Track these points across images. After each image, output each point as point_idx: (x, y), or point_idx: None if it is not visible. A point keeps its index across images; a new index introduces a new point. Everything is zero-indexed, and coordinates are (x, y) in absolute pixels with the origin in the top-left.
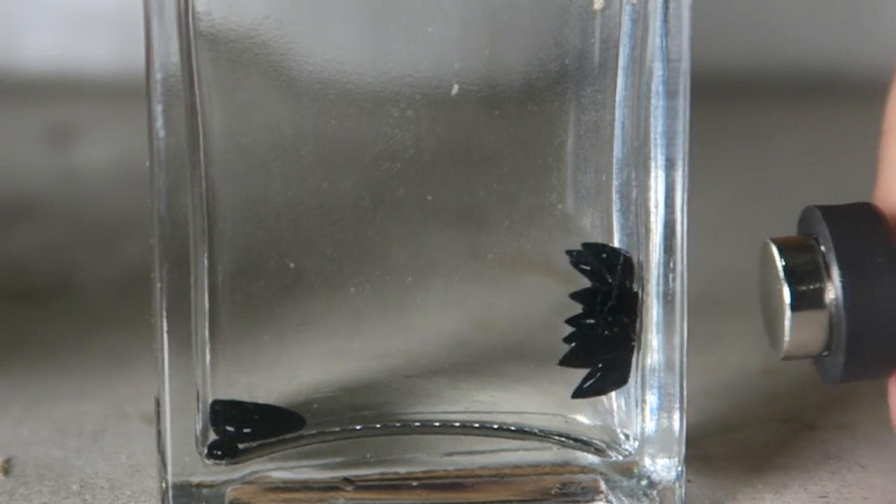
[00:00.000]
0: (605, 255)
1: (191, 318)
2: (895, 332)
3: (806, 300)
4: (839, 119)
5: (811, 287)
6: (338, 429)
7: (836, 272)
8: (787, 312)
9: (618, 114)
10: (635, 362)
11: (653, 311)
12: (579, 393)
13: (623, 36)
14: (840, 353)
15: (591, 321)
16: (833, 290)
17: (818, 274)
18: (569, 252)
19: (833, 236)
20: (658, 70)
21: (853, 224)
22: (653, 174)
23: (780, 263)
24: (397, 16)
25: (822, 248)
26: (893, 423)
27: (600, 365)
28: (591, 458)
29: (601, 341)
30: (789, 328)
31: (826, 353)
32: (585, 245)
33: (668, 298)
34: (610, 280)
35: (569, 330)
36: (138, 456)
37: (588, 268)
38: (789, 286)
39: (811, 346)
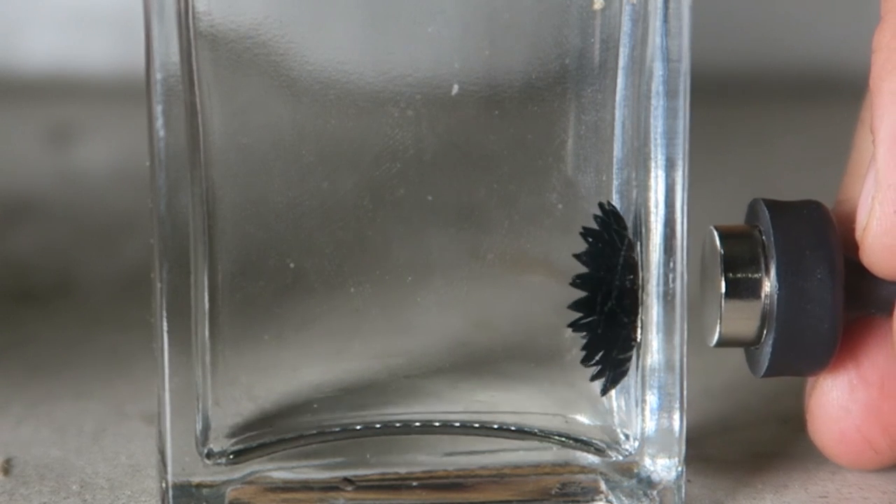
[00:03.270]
0: (605, 254)
1: (191, 318)
2: (823, 330)
3: (741, 289)
4: (839, 119)
5: (747, 276)
6: (338, 429)
7: (773, 274)
8: (722, 299)
9: (618, 114)
10: (635, 360)
11: (653, 311)
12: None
13: (623, 36)
14: (766, 350)
15: (592, 319)
16: (769, 288)
17: (756, 264)
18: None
19: (776, 235)
20: (658, 70)
21: (796, 220)
22: (653, 174)
23: (719, 250)
24: (397, 16)
25: (764, 242)
26: (808, 424)
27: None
28: (591, 458)
29: (602, 339)
30: (722, 315)
31: (755, 346)
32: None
33: (668, 298)
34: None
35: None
36: (138, 456)
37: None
38: (725, 274)
39: (743, 336)
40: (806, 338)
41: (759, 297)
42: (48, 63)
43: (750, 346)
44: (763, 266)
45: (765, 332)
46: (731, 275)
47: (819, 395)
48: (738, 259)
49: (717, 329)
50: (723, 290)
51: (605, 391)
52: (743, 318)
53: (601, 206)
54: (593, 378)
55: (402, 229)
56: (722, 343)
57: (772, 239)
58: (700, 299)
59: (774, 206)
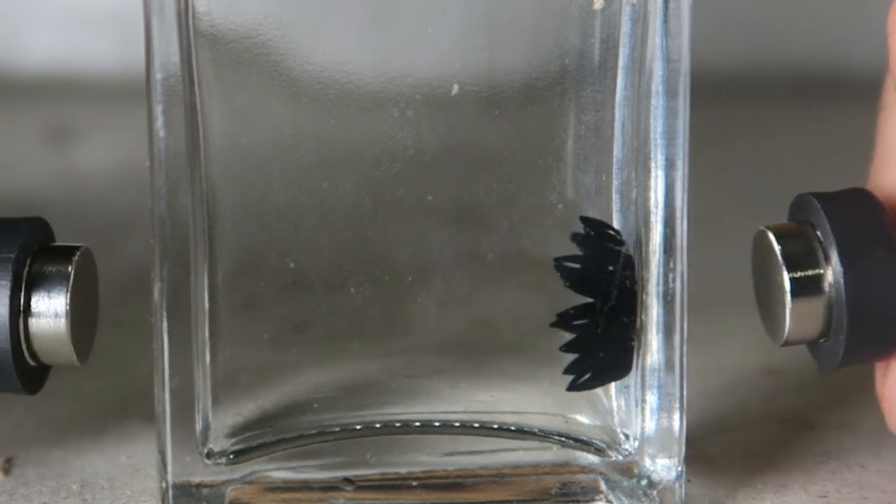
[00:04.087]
0: (604, 256)
1: (191, 318)
2: (892, 316)
3: (804, 287)
4: (839, 119)
5: (809, 273)
6: (338, 429)
7: (834, 258)
8: (787, 299)
9: (618, 114)
10: (636, 359)
11: (653, 311)
12: (574, 387)
13: (623, 36)
14: (839, 338)
15: (589, 322)
16: (831, 276)
17: (816, 260)
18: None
19: (830, 222)
20: (658, 70)
21: (848, 209)
22: (653, 174)
23: (777, 250)
24: (397, 16)
25: (819, 233)
26: (884, 412)
27: (597, 361)
28: (591, 458)
29: (600, 340)
30: (789, 315)
31: (823, 339)
32: (581, 237)
33: (668, 298)
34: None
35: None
36: (138, 456)
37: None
38: (788, 273)
39: (809, 333)
40: (876, 318)
41: (823, 290)
42: (48, 63)
43: (818, 340)
44: (822, 259)
45: (833, 323)
46: (793, 274)
47: (894, 379)
48: (797, 257)
49: (786, 329)
50: (788, 290)
51: (575, 387)
52: (810, 315)
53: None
54: (569, 370)
55: (402, 229)
56: (789, 342)
57: (827, 228)
58: (758, 301)
59: (822, 197)
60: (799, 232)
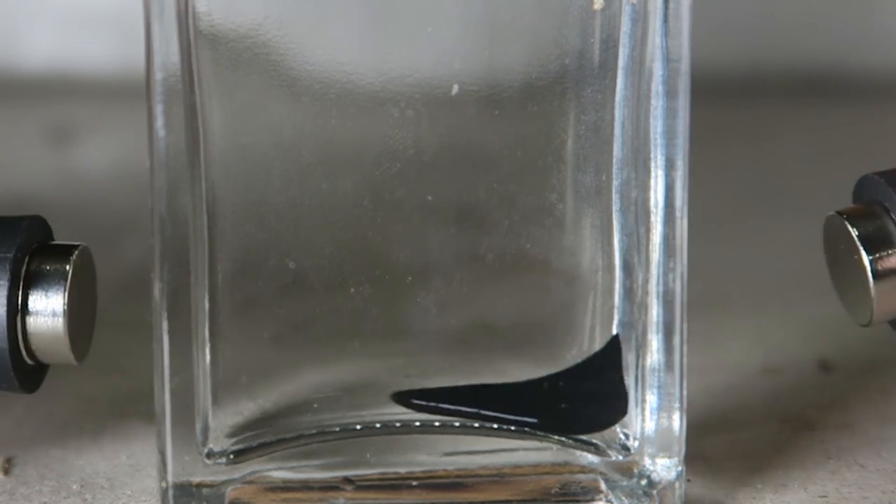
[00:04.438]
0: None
1: (191, 318)
2: None
3: (885, 266)
4: (840, 119)
5: (889, 253)
6: (338, 429)
7: None
8: (870, 280)
9: (618, 114)
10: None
11: (653, 311)
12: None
13: (623, 36)
14: None
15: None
16: None
17: (892, 238)
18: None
19: None
20: (658, 70)
21: None
22: (653, 174)
23: (853, 233)
24: (397, 16)
25: (892, 213)
26: None
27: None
28: (591, 458)
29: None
30: (874, 295)
31: None
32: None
33: (668, 298)
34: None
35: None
36: (138, 456)
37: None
38: (868, 254)
39: (894, 311)
40: None
41: None
42: (48, 63)
43: None
44: None
45: None
46: (872, 255)
47: None
48: (874, 238)
49: (872, 309)
50: (869, 271)
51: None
52: (892, 294)
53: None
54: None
55: (402, 229)
56: (876, 321)
57: None
58: (836, 285)
59: (890, 175)
60: (871, 213)
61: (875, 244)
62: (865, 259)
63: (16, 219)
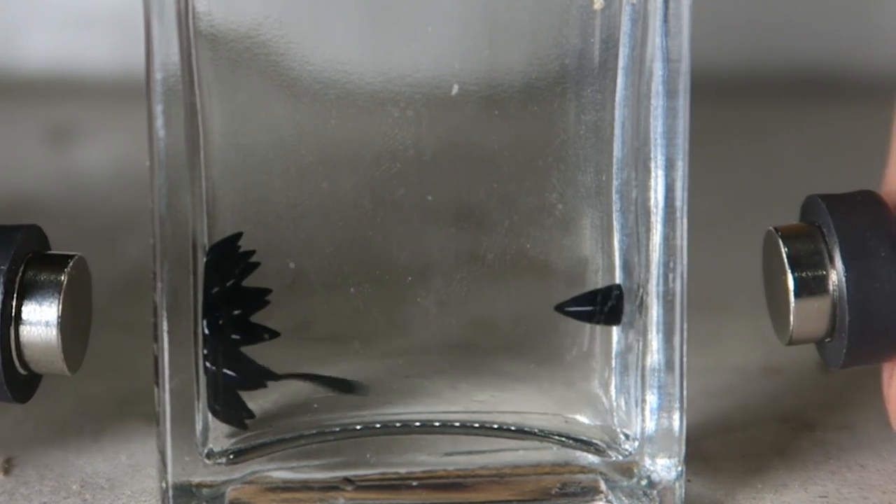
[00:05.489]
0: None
1: (191, 318)
2: (895, 307)
3: (809, 287)
4: (840, 119)
5: (815, 274)
6: (338, 429)
7: (838, 259)
8: (791, 299)
9: (618, 114)
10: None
11: (653, 311)
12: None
13: (623, 36)
14: (842, 338)
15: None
16: (836, 277)
17: (821, 261)
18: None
19: (836, 224)
20: (658, 70)
21: (856, 212)
22: (653, 174)
23: (783, 251)
24: (397, 16)
25: (825, 235)
26: (889, 413)
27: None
28: (591, 458)
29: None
30: (793, 315)
31: (829, 339)
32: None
33: (668, 298)
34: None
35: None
36: (138, 456)
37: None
38: (793, 273)
39: (815, 332)
40: (879, 318)
41: (828, 290)
42: (48, 63)
43: (824, 340)
44: (828, 260)
45: (836, 326)
46: (798, 273)
47: None
48: (802, 257)
49: (790, 328)
50: (791, 289)
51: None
52: (814, 315)
53: None
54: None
55: (402, 229)
56: (795, 342)
57: (832, 227)
58: (768, 300)
59: (830, 199)
60: (806, 232)
61: (803, 265)
62: (790, 278)
63: (11, 228)
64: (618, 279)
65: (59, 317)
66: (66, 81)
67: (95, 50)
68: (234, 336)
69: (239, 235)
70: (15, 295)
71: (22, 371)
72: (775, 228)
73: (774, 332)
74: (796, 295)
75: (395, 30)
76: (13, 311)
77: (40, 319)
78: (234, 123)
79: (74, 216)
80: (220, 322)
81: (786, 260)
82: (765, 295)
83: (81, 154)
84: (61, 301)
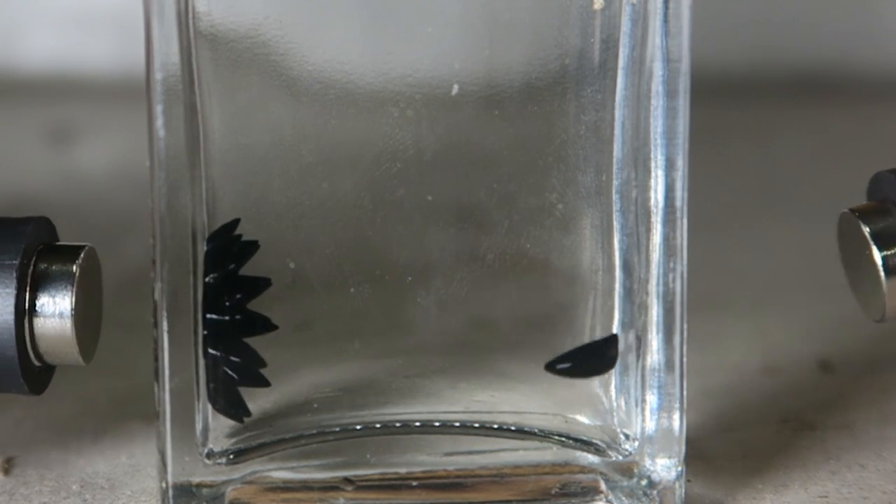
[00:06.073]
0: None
1: (191, 318)
2: None
3: None
4: (840, 119)
5: None
6: (338, 429)
7: None
8: (882, 277)
9: (618, 114)
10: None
11: (653, 311)
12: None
13: (623, 36)
14: None
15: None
16: None
17: None
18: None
19: None
20: (658, 70)
21: None
22: (653, 174)
23: (866, 231)
24: (397, 16)
25: None
26: None
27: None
28: (591, 458)
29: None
30: (887, 292)
31: None
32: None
33: (668, 298)
34: None
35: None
36: (138, 456)
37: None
38: (879, 251)
39: None
40: None
41: None
42: (48, 63)
43: None
44: None
45: None
46: (885, 251)
47: None
48: (885, 235)
49: (884, 305)
50: (881, 268)
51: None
52: None
53: None
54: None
55: (402, 229)
56: (889, 318)
57: None
58: (850, 282)
59: None
60: (883, 210)
61: (887, 241)
62: (877, 256)
63: (22, 220)
64: (618, 279)
65: (72, 308)
66: (67, 81)
67: (95, 50)
68: (232, 319)
69: (237, 222)
70: (28, 287)
71: (36, 363)
72: (851, 210)
73: (863, 312)
74: (886, 272)
75: (395, 30)
76: (27, 303)
77: (54, 311)
78: (234, 123)
79: (75, 216)
80: (219, 306)
81: (870, 238)
82: (847, 278)
83: (82, 154)
84: (74, 292)
